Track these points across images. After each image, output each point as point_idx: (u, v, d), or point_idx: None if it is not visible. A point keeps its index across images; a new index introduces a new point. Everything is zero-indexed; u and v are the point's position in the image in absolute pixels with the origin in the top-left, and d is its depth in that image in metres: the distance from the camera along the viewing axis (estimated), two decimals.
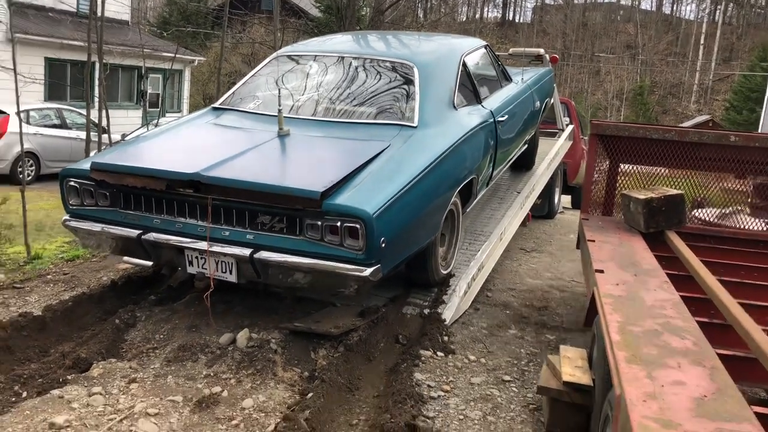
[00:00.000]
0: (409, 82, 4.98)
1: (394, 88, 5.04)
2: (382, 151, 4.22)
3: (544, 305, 5.37)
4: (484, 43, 6.34)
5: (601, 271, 3.63)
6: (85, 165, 4.18)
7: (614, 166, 5.46)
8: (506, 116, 5.86)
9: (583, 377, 3.16)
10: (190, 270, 4.01)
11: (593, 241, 4.35)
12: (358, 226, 3.61)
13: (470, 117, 5.22)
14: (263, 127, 4.62)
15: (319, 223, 3.68)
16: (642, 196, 4.63)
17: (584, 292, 5.91)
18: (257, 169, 3.96)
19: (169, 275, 4.73)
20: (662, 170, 5.49)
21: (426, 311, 4.62)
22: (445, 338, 4.29)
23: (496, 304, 5.26)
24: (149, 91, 20.19)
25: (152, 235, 3.97)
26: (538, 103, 7.24)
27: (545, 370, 3.40)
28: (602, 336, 2.90)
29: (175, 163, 3.98)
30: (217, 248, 3.83)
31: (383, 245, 3.69)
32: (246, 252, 3.76)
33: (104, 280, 5.09)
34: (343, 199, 3.67)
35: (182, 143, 4.54)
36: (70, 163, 4.53)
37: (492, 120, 5.52)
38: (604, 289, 3.33)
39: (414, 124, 4.61)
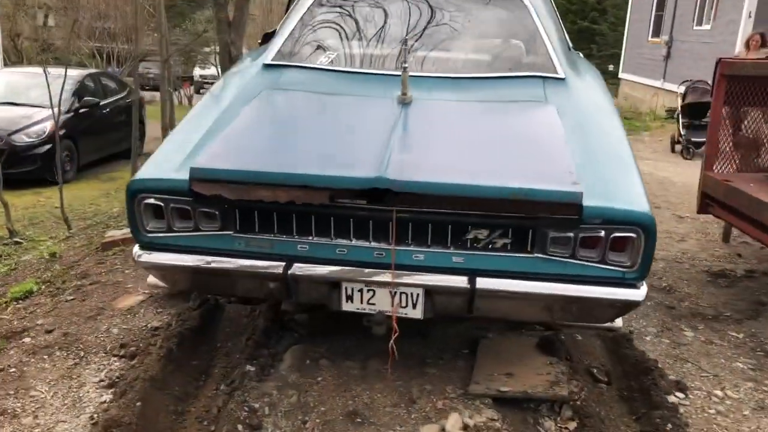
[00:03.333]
0: (522, 18, 3.77)
1: (506, 27, 3.88)
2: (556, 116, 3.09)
3: (666, 284, 4.50)
4: None
5: None
6: (173, 173, 2.68)
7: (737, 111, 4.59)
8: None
9: None
10: (347, 307, 2.75)
11: None
12: (634, 235, 2.53)
13: (582, 59, 4.15)
14: (366, 91, 3.33)
15: (571, 234, 2.56)
16: None
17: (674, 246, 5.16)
18: (454, 164, 2.68)
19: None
20: None
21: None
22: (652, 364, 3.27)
23: None
24: None
25: (303, 268, 2.66)
26: None
27: None
28: None
29: (335, 164, 2.64)
30: (408, 278, 2.65)
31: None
32: (460, 281, 2.60)
33: (121, 336, 3.45)
34: (608, 200, 2.55)
35: (290, 128, 3.06)
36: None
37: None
38: None
39: (560, 75, 3.50)
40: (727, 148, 4.45)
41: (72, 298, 3.98)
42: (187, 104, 19.91)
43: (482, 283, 2.59)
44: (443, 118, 3.10)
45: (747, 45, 9.96)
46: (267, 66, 3.58)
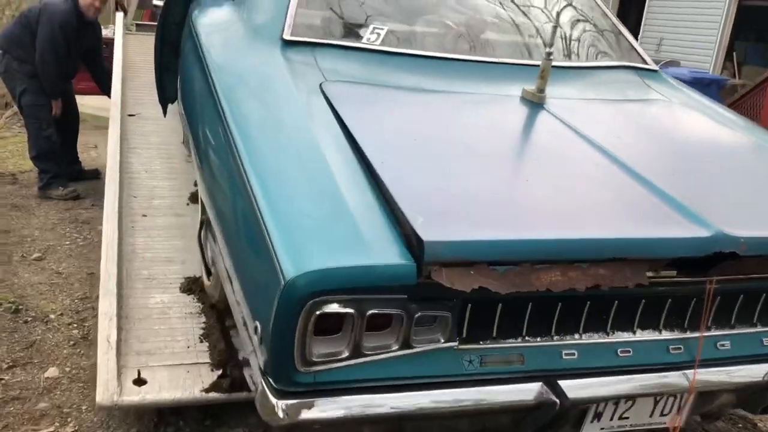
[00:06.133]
0: (589, 8, 3.22)
1: (575, 13, 3.19)
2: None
3: None
4: None
5: None
6: (372, 256, 1.48)
7: None
8: None
9: None
10: (590, 430, 1.85)
11: None
12: None
13: None
14: (467, 87, 2.43)
15: None
16: None
17: None
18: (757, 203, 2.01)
19: None
20: None
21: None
22: None
23: None
24: None
25: (586, 386, 1.72)
26: None
27: None
28: None
29: (630, 218, 1.79)
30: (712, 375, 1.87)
31: None
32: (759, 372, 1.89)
33: None
34: None
35: (448, 151, 1.98)
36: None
37: None
38: None
39: (652, 66, 3.05)
40: None
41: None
42: None
43: None
44: (610, 126, 2.33)
45: None
46: (288, 43, 2.37)
